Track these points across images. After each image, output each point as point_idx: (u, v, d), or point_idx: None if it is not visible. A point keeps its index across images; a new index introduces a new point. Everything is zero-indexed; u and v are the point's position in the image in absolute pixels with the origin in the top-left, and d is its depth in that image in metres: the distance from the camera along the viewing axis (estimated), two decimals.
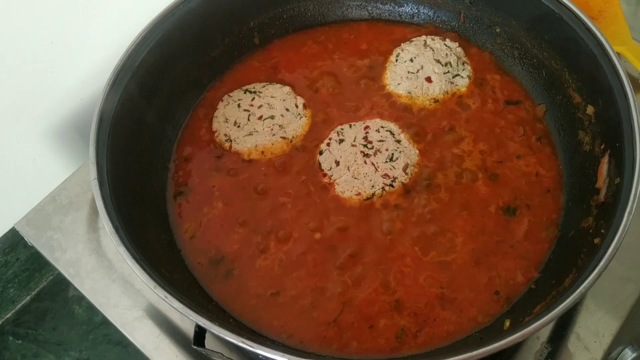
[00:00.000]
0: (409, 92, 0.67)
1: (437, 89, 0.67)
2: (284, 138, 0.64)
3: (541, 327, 0.44)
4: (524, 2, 0.64)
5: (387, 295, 0.54)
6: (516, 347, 0.57)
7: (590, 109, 0.59)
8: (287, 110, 0.66)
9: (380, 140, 0.63)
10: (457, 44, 0.70)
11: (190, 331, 0.53)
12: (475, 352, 0.43)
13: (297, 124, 0.65)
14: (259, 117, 0.66)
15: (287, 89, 0.68)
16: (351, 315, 0.54)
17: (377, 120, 0.65)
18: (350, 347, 0.52)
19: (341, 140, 0.63)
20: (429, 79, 0.67)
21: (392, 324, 0.53)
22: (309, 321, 0.54)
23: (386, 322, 0.53)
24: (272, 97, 0.67)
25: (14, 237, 0.67)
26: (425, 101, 0.67)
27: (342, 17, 0.75)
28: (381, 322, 0.53)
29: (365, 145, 0.62)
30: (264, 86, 0.68)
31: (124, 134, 0.58)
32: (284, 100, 0.67)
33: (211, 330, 0.45)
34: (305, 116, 0.66)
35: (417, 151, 0.63)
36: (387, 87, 0.68)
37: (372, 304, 0.54)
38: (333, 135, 0.64)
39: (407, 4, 0.74)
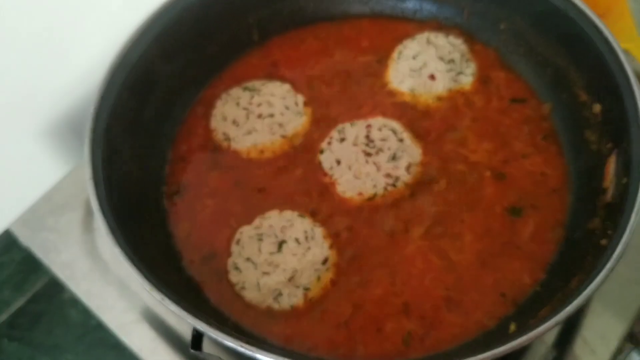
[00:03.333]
0: (412, 90, 0.66)
1: (440, 86, 0.66)
2: (283, 137, 0.63)
3: (547, 330, 0.44)
4: None
5: (395, 297, 0.54)
6: (521, 351, 0.56)
7: (596, 107, 0.58)
8: (287, 108, 0.65)
9: (383, 139, 0.62)
10: (461, 40, 0.69)
11: (187, 334, 0.52)
12: (480, 356, 0.42)
13: (297, 123, 0.64)
14: (258, 115, 0.64)
15: (286, 86, 0.67)
16: (360, 318, 0.53)
17: (379, 118, 0.64)
18: (357, 351, 0.52)
19: (342, 139, 0.62)
20: (432, 77, 0.66)
21: (399, 327, 0.52)
22: (317, 324, 0.53)
23: (393, 326, 0.52)
24: (271, 95, 0.66)
25: (9, 239, 0.66)
26: (429, 99, 0.66)
27: (343, 13, 0.73)
28: (388, 326, 0.53)
29: (367, 144, 0.61)
30: (263, 84, 0.67)
31: (120, 132, 0.57)
32: (283, 98, 0.66)
33: (208, 333, 0.44)
34: (306, 114, 0.65)
35: (420, 150, 0.62)
36: (390, 84, 0.67)
37: (380, 306, 0.54)
38: (334, 134, 0.63)
39: (410, 0, 0.73)
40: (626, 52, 0.64)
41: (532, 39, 0.66)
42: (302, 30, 0.72)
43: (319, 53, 0.71)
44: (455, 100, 0.65)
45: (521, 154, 0.61)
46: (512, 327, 0.51)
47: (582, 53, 0.59)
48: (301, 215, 0.58)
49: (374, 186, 0.59)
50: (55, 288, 0.65)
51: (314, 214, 0.58)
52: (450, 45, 0.68)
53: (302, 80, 0.68)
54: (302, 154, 0.63)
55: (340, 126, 0.64)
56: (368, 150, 0.61)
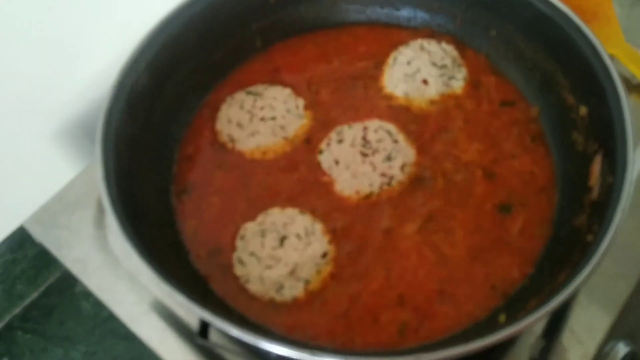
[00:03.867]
0: (407, 94, 0.68)
1: (433, 90, 0.68)
2: (285, 138, 0.66)
3: (535, 321, 0.45)
4: (519, 5, 0.65)
5: (390, 290, 0.56)
6: (511, 341, 0.58)
7: (583, 110, 0.60)
8: (288, 111, 0.67)
9: (378, 141, 0.64)
10: (452, 46, 0.71)
11: (195, 325, 0.54)
12: (471, 346, 0.44)
13: (297, 125, 0.67)
14: (261, 118, 0.67)
15: (288, 90, 0.69)
16: (358, 310, 0.55)
17: (376, 121, 0.66)
18: (356, 340, 0.54)
19: (340, 141, 0.65)
20: (425, 81, 0.68)
21: (395, 318, 0.54)
22: (317, 314, 0.55)
23: (389, 317, 0.54)
24: (273, 98, 0.68)
25: (23, 235, 0.68)
26: (422, 103, 0.68)
27: (341, 21, 0.76)
28: (385, 317, 0.54)
29: (363, 145, 0.64)
30: (265, 88, 0.70)
31: (130, 134, 0.59)
32: (285, 101, 0.68)
33: (215, 324, 0.46)
34: (306, 117, 0.68)
35: (414, 151, 0.64)
36: (385, 89, 0.69)
37: (376, 298, 0.55)
38: (333, 135, 0.65)
39: (405, 8, 0.75)
40: (612, 57, 0.66)
41: (521, 45, 0.68)
42: (303, 37, 0.74)
43: (318, 59, 0.73)
44: (447, 104, 0.67)
45: (510, 154, 0.63)
46: (502, 318, 0.52)
47: (569, 58, 0.61)
48: (302, 212, 0.60)
49: (370, 185, 0.62)
50: (67, 282, 0.67)
51: (314, 211, 0.60)
52: (442, 51, 0.70)
53: (302, 85, 0.70)
54: (302, 155, 0.65)
55: (338, 128, 0.66)
56: (365, 151, 0.63)
